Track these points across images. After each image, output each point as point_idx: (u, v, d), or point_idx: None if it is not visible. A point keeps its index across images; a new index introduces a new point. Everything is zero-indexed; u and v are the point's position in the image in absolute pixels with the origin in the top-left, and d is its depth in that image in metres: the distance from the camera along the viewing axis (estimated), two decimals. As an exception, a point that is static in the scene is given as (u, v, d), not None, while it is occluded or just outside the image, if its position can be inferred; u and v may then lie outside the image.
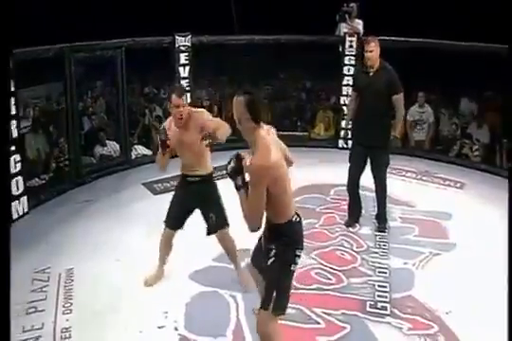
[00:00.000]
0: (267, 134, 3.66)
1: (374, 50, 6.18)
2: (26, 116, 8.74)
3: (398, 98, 6.21)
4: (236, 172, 3.63)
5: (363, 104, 6.38)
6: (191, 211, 5.32)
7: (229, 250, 5.36)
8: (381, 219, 6.62)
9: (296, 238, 3.86)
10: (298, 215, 3.87)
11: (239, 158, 3.65)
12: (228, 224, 5.25)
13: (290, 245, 3.82)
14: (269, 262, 3.83)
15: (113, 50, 8.51)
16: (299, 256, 3.85)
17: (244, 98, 3.55)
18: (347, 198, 6.76)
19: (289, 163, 3.91)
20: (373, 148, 6.30)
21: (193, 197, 5.20)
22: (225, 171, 3.71)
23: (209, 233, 5.29)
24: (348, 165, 6.57)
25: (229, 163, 3.67)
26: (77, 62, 7.95)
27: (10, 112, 6.62)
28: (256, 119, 3.58)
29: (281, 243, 3.81)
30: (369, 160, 6.42)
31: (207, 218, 5.25)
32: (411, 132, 9.77)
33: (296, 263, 3.85)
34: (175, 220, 5.35)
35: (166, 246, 5.44)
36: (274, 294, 3.79)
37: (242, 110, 3.56)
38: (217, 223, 5.21)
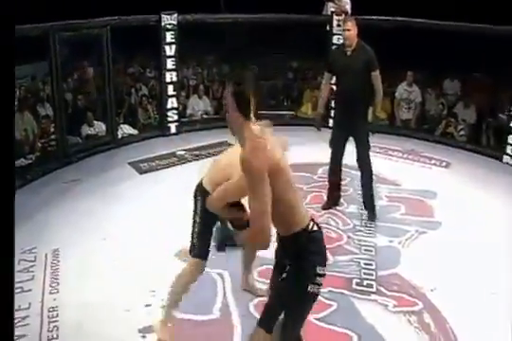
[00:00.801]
0: (261, 131, 3.11)
1: (351, 29, 6.12)
2: (11, 95, 8.67)
3: (377, 75, 6.14)
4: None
5: (342, 85, 6.32)
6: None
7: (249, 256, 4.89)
8: (369, 206, 6.50)
9: (315, 251, 3.17)
10: (315, 223, 3.21)
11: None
12: None
13: (309, 261, 3.13)
14: (281, 278, 3.21)
15: (99, 29, 8.45)
16: (320, 275, 3.14)
17: (232, 89, 3.12)
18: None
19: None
20: (355, 130, 6.24)
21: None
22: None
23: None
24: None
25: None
26: (62, 41, 7.88)
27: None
28: (245, 114, 3.11)
29: (297, 258, 3.14)
30: (354, 146, 6.33)
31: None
32: (398, 110, 9.77)
33: (316, 283, 3.14)
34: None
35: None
36: (278, 315, 3.23)
37: (229, 100, 3.13)
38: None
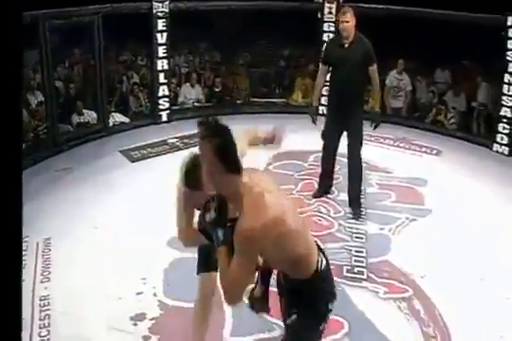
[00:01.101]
0: (253, 180, 2.65)
1: (349, 21, 5.97)
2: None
3: (375, 70, 6.08)
4: (216, 224, 2.66)
5: (338, 77, 6.17)
6: None
7: None
8: (355, 204, 6.36)
9: (326, 288, 2.94)
10: (322, 255, 2.93)
11: (222, 204, 2.67)
12: None
13: (322, 302, 2.92)
14: (290, 321, 2.96)
15: (90, 17, 8.40)
16: (331, 310, 2.96)
17: (211, 144, 2.49)
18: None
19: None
20: (350, 123, 6.17)
21: None
22: (201, 220, 2.90)
23: None
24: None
25: (207, 210, 2.70)
26: (52, 29, 7.84)
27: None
28: (233, 169, 2.56)
29: (306, 304, 2.90)
30: (346, 138, 6.27)
31: None
32: (389, 98, 9.78)
33: (326, 321, 2.96)
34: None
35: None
36: None
37: (210, 159, 2.51)
38: None
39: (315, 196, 6.64)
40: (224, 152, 2.50)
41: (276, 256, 2.76)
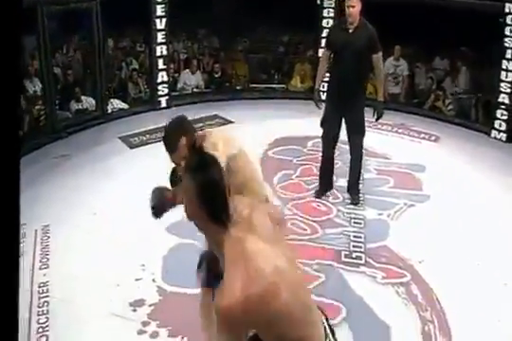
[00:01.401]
0: (245, 223, 2.11)
1: (355, 6, 5.80)
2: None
3: (379, 57, 5.94)
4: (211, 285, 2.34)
5: (341, 64, 5.97)
6: None
7: None
8: (353, 190, 6.30)
9: None
10: (331, 334, 2.33)
11: (211, 263, 2.36)
12: None
13: None
14: None
15: (88, 3, 8.36)
16: None
17: (194, 184, 2.04)
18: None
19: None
20: (351, 111, 6.01)
21: None
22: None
23: None
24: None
25: (199, 266, 2.51)
26: (50, 15, 7.82)
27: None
28: (218, 216, 2.05)
29: None
30: (345, 126, 6.13)
31: None
32: (386, 85, 9.75)
33: None
34: None
35: None
36: None
37: (192, 199, 2.06)
38: None
39: (317, 196, 6.40)
40: (207, 195, 2.03)
41: (268, 337, 2.11)
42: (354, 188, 6.33)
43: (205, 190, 2.00)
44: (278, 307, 1.97)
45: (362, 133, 6.14)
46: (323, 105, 6.24)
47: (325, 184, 6.44)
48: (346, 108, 5.99)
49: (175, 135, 3.54)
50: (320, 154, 6.45)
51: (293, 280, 2.09)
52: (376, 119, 6.22)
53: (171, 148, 3.39)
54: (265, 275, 1.96)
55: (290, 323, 2.05)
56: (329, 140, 6.23)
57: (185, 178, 2.04)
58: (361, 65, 5.88)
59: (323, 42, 9.04)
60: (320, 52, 8.97)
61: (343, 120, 6.11)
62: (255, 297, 1.91)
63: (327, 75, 6.42)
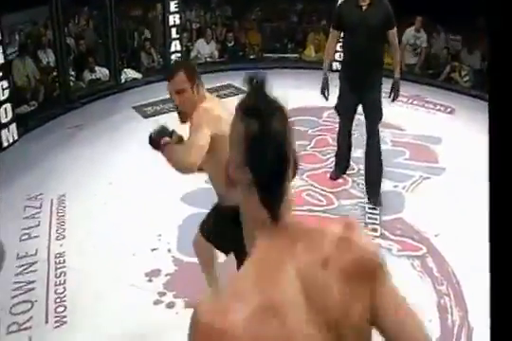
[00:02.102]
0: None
1: None
2: (12, 41, 8.62)
3: (394, 33, 5.51)
4: None
5: (354, 43, 5.44)
6: None
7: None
8: (373, 191, 5.75)
9: None
10: None
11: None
12: None
13: None
14: None
15: (100, -29, 8.29)
16: None
17: (246, 131, 1.32)
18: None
19: None
20: (368, 95, 5.59)
21: None
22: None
23: None
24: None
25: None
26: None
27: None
28: (269, 191, 1.32)
29: None
30: (363, 112, 5.78)
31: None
32: (404, 55, 9.64)
33: None
34: None
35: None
36: None
37: (237, 152, 1.36)
38: None
39: (332, 178, 6.20)
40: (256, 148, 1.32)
41: None
42: (373, 188, 5.79)
43: (260, 144, 1.30)
44: None
45: (380, 118, 5.76)
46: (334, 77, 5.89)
47: (341, 167, 6.22)
48: (362, 92, 5.60)
49: (178, 65, 3.77)
50: (336, 125, 6.26)
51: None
52: (393, 100, 5.81)
53: (169, 75, 3.42)
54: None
55: None
56: (345, 127, 5.97)
57: (235, 123, 1.38)
58: (377, 45, 5.46)
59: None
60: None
61: (360, 103, 5.75)
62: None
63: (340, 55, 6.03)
